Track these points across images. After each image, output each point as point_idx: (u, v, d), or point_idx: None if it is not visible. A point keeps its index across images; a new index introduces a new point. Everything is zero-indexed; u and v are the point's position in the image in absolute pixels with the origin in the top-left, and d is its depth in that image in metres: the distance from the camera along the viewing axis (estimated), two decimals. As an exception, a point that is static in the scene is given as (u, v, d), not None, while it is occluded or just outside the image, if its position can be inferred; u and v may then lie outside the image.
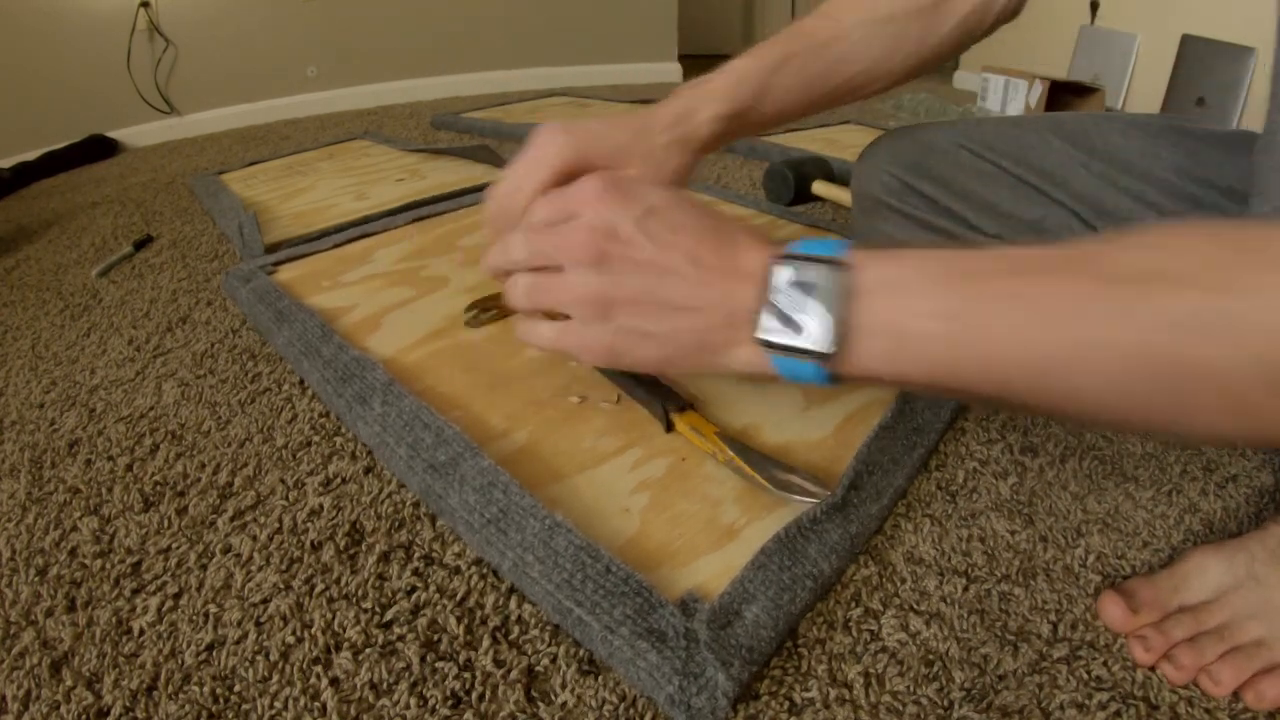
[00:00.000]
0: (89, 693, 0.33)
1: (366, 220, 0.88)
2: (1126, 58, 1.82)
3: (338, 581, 0.38)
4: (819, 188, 0.94)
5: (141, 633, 0.36)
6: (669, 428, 0.47)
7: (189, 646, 0.35)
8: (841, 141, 1.34)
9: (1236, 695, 0.33)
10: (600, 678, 0.33)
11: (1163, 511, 0.43)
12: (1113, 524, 0.42)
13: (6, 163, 1.46)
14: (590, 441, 0.47)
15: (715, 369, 0.35)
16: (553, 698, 0.32)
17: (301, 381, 0.58)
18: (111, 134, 1.70)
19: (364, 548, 0.41)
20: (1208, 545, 0.38)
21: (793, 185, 0.94)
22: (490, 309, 0.62)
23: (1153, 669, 0.34)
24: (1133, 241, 0.27)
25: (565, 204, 0.37)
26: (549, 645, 0.35)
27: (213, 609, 0.37)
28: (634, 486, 0.43)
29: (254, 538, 0.42)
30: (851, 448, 0.45)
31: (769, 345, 0.32)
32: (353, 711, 0.32)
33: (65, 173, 1.49)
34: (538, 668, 0.34)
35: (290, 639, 0.35)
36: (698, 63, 2.72)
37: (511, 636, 0.35)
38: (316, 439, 0.50)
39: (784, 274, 0.31)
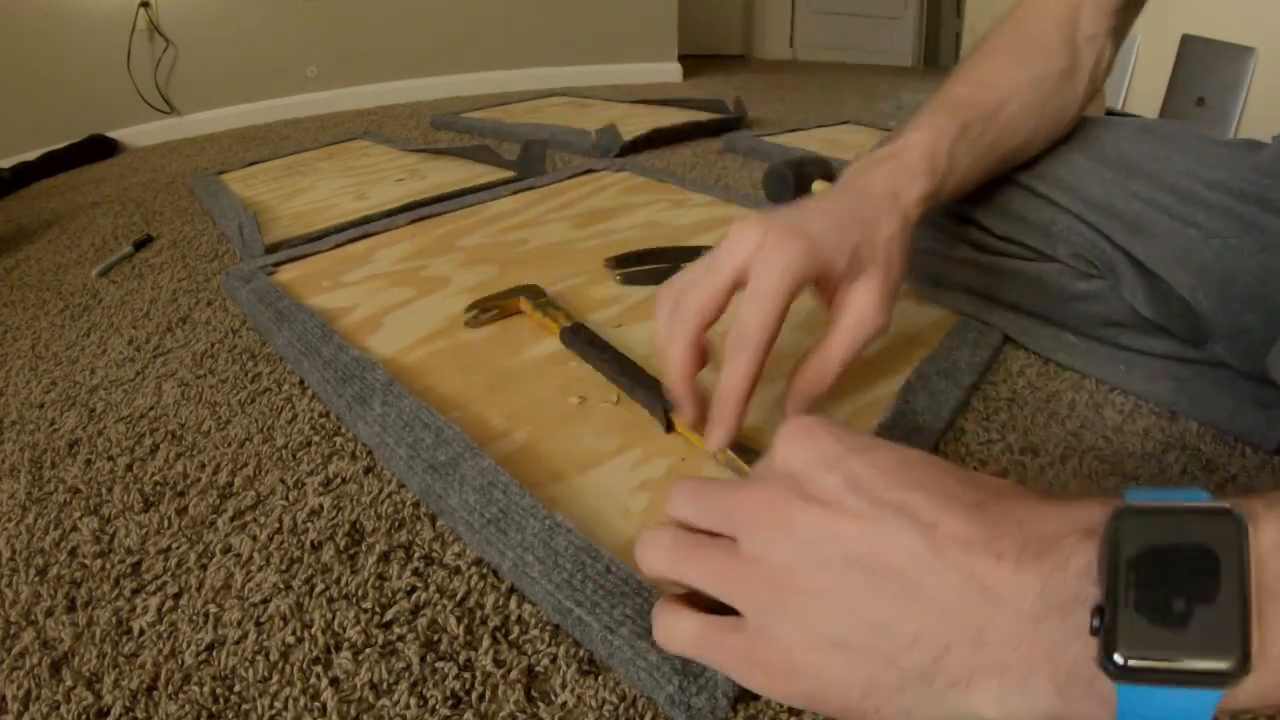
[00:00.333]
0: (89, 693, 0.33)
1: (366, 220, 0.88)
2: (1126, 58, 1.82)
3: (338, 581, 0.38)
4: (819, 188, 0.94)
5: (141, 633, 0.36)
6: (669, 428, 0.47)
7: (189, 646, 0.35)
8: (842, 141, 1.34)
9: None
10: (600, 678, 0.33)
11: (1163, 511, 0.43)
12: (1113, 524, 0.42)
13: (6, 163, 1.46)
14: (590, 441, 0.47)
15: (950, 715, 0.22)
16: (553, 698, 0.32)
17: (301, 381, 0.58)
18: (111, 134, 1.70)
19: (364, 548, 0.41)
20: None
21: (793, 185, 0.94)
22: (490, 309, 0.62)
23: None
24: None
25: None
26: (549, 645, 0.35)
27: (213, 609, 0.37)
28: (634, 486, 0.43)
29: (254, 538, 0.42)
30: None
31: (1122, 671, 0.18)
32: (353, 711, 0.32)
33: (65, 173, 1.49)
34: (538, 668, 0.34)
35: (290, 639, 0.35)
36: (698, 63, 2.73)
37: (511, 636, 0.35)
38: (316, 439, 0.50)
39: (1136, 534, 0.20)
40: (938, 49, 3.38)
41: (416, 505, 0.44)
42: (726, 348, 0.39)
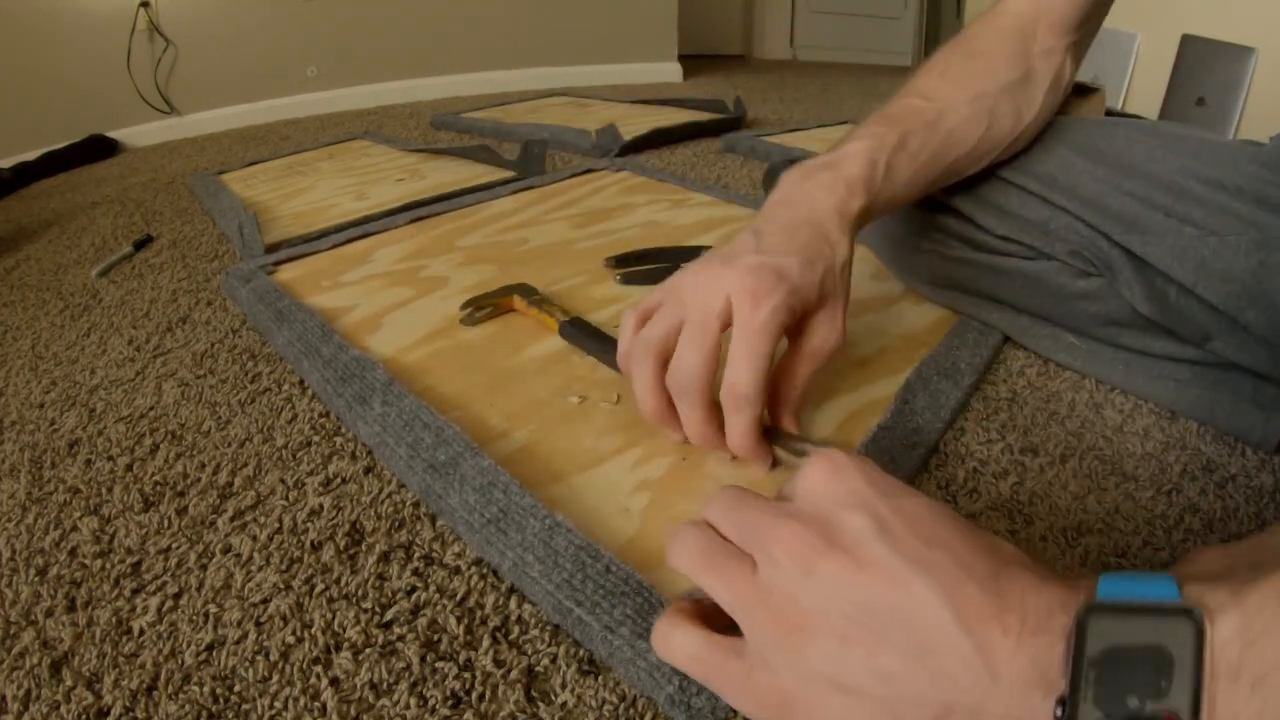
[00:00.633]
0: (89, 693, 0.33)
1: (366, 220, 0.88)
2: (1126, 58, 1.82)
3: (338, 581, 0.38)
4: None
5: (141, 633, 0.36)
6: None
7: (189, 646, 0.35)
8: (841, 141, 1.34)
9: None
10: (600, 678, 0.33)
11: (1163, 511, 0.43)
12: (1113, 524, 0.42)
13: (6, 163, 1.46)
14: (590, 441, 0.47)
15: None
16: (553, 698, 0.32)
17: (301, 381, 0.58)
18: (111, 134, 1.70)
19: (364, 548, 0.41)
20: (1213, 546, 0.38)
21: (793, 185, 0.94)
22: (484, 306, 0.62)
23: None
24: None
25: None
26: (549, 645, 0.35)
27: (213, 609, 0.37)
28: (634, 486, 0.43)
29: (254, 538, 0.42)
30: (852, 448, 0.45)
31: None
32: (353, 711, 0.32)
33: (65, 173, 1.49)
34: (538, 668, 0.34)
35: (290, 639, 0.35)
36: (698, 63, 2.73)
37: (511, 636, 0.35)
38: (316, 439, 0.50)
39: (1100, 634, 0.21)
40: (938, 49, 3.37)
41: (416, 505, 0.44)
42: (725, 404, 0.40)
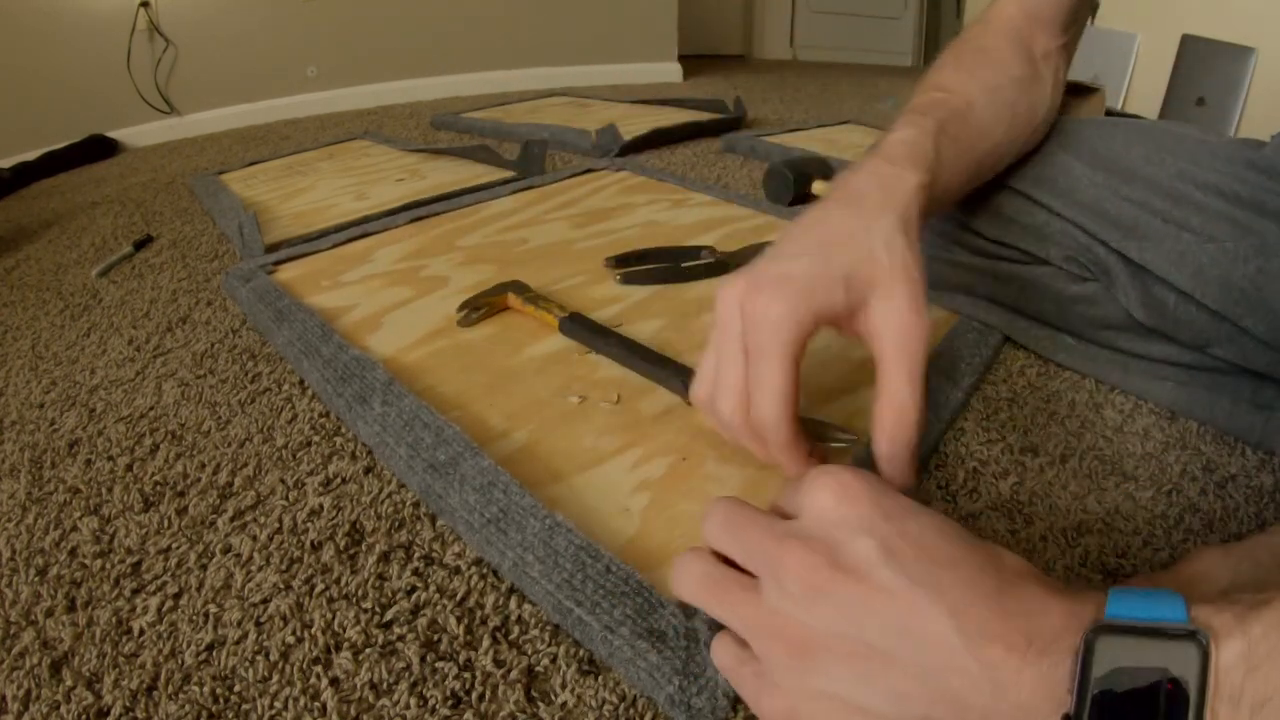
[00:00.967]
0: (89, 693, 0.33)
1: (366, 220, 0.88)
2: (1126, 58, 1.82)
3: (338, 581, 0.38)
4: (819, 188, 0.94)
5: (141, 633, 0.36)
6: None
7: (189, 646, 0.35)
8: (841, 141, 1.34)
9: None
10: (600, 678, 0.33)
11: (1163, 511, 0.43)
12: (1113, 524, 0.42)
13: (6, 163, 1.46)
14: (590, 441, 0.47)
15: None
16: (553, 698, 0.32)
17: (301, 381, 0.58)
18: (111, 134, 1.70)
19: (364, 548, 0.41)
20: (1213, 547, 0.38)
21: (792, 185, 0.94)
22: (480, 306, 0.62)
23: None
24: None
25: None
26: (549, 645, 0.35)
27: (213, 609, 0.37)
28: (634, 486, 0.43)
29: (254, 538, 0.42)
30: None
31: None
32: (353, 711, 0.32)
33: (65, 173, 1.49)
34: (538, 668, 0.34)
35: (290, 639, 0.35)
36: (698, 63, 2.73)
37: (511, 636, 0.35)
38: (316, 439, 0.50)
39: (1107, 654, 0.21)
40: (938, 49, 3.34)
41: (416, 505, 0.44)
42: (753, 433, 0.37)
